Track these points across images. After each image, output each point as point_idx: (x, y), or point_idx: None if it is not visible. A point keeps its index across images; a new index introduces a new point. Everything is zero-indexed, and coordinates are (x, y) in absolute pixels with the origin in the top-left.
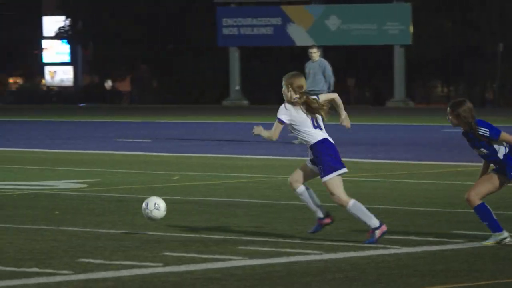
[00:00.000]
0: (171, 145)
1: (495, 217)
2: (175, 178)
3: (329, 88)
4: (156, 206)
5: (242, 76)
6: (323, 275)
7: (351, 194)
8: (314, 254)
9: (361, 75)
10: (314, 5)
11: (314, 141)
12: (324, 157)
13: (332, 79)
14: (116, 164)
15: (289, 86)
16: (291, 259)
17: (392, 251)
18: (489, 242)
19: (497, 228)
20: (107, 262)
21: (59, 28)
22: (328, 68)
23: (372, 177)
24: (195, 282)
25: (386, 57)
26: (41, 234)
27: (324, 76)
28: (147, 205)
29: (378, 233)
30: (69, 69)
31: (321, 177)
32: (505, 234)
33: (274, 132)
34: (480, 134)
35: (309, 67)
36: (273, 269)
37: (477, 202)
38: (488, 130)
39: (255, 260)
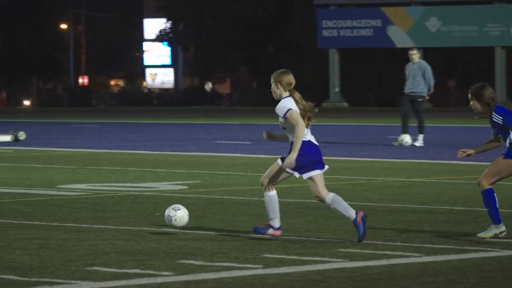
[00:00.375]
0: (270, 147)
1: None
2: None
3: (429, 90)
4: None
5: (341, 78)
6: (423, 277)
7: (451, 197)
8: (414, 256)
9: (461, 77)
10: (414, 7)
11: (292, 139)
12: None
13: (432, 81)
14: (216, 166)
15: (278, 83)
16: (391, 261)
17: (493, 254)
18: (486, 235)
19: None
20: (208, 263)
21: (160, 31)
22: (428, 70)
23: (473, 179)
24: (295, 284)
25: (487, 58)
26: (142, 235)
27: (424, 78)
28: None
29: (271, 231)
30: (170, 71)
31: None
32: (503, 227)
33: (299, 120)
34: (494, 121)
35: (409, 68)
36: (373, 271)
37: (486, 186)
38: (501, 117)
39: (355, 262)
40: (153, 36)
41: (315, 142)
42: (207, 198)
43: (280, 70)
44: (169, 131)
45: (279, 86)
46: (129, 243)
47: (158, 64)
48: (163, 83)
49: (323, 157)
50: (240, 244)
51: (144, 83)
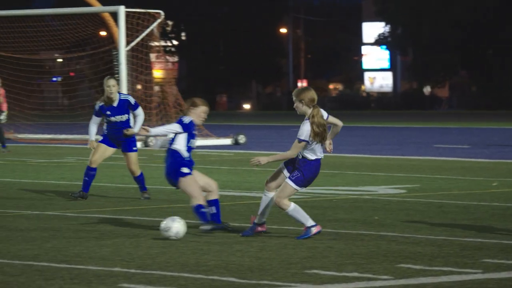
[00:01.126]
0: (490, 151)
1: None
2: (494, 184)
3: None
4: (176, 234)
5: None
6: None
7: None
8: None
9: None
10: None
11: (310, 157)
12: (306, 172)
13: None
14: (435, 170)
15: (302, 101)
16: None
17: None
18: None
19: None
20: (427, 268)
21: (379, 35)
22: None
23: None
24: None
25: None
26: (361, 239)
27: None
28: (168, 229)
29: (313, 230)
30: (388, 75)
31: (289, 177)
32: None
33: (294, 152)
34: None
35: None
36: None
37: None
38: None
39: None
40: (372, 40)
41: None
42: (425, 202)
43: (301, 87)
44: (388, 135)
45: (303, 103)
46: (348, 246)
47: (376, 68)
48: (381, 86)
49: None
50: (459, 249)
51: (363, 87)
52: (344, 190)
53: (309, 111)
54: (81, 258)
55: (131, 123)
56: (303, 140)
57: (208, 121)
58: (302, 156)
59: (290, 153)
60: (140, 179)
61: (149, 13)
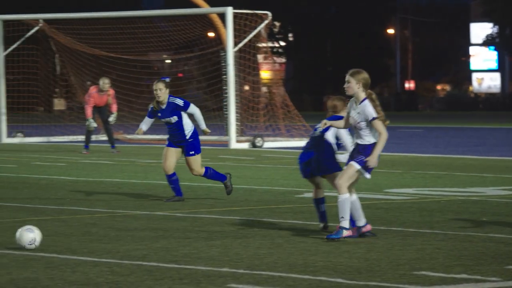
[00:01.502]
0: None
1: None
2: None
3: None
4: (32, 242)
5: None
6: None
7: None
8: None
9: None
10: None
11: (370, 140)
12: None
13: None
14: None
15: (360, 83)
16: None
17: None
18: None
19: None
20: None
21: (487, 35)
22: None
23: None
24: None
25: None
26: (469, 240)
27: None
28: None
29: (345, 233)
30: (496, 76)
31: (353, 160)
32: None
33: (384, 130)
34: None
35: None
36: None
37: None
38: None
39: None
40: (480, 41)
41: None
42: None
43: (358, 69)
44: (496, 136)
45: (360, 85)
46: (456, 248)
47: (484, 69)
48: (489, 87)
49: None
50: None
51: (471, 88)
52: (452, 191)
53: (362, 94)
54: (190, 258)
55: (187, 125)
56: (378, 116)
57: (315, 121)
58: (361, 142)
59: (384, 136)
60: (209, 174)
61: (256, 14)
